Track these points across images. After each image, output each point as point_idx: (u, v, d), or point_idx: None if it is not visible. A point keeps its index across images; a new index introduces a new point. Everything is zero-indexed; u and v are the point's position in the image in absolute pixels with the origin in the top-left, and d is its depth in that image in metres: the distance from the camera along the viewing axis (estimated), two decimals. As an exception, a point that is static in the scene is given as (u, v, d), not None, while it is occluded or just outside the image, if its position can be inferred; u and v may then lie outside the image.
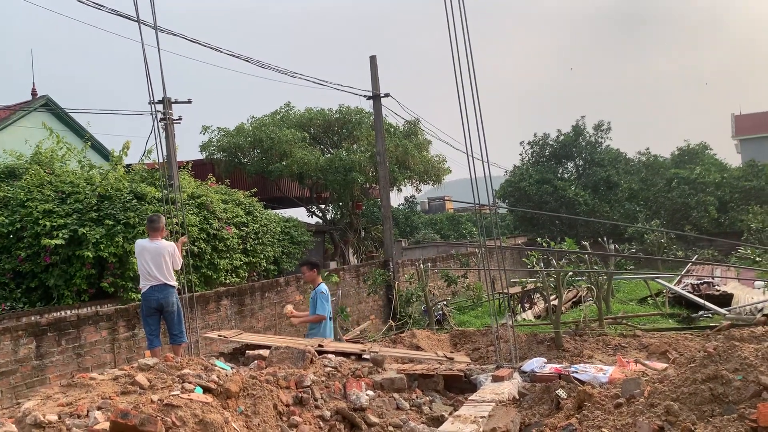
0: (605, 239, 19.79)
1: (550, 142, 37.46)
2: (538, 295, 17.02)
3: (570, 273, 11.25)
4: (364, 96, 18.02)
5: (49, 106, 18.99)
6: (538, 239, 15.18)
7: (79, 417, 4.14)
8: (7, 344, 8.03)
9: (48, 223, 11.33)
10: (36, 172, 12.76)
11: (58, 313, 9.69)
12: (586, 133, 37.06)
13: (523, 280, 13.28)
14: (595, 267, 13.29)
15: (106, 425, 3.93)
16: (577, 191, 34.53)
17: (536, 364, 6.73)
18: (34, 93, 19.76)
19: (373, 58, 17.88)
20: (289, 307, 8.62)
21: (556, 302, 11.12)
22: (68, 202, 11.98)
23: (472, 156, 7.70)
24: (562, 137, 37.10)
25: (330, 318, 8.05)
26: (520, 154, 38.53)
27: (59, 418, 4.11)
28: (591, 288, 12.80)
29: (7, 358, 7.99)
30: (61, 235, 11.20)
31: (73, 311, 9.88)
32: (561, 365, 6.68)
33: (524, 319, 15.16)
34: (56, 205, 11.77)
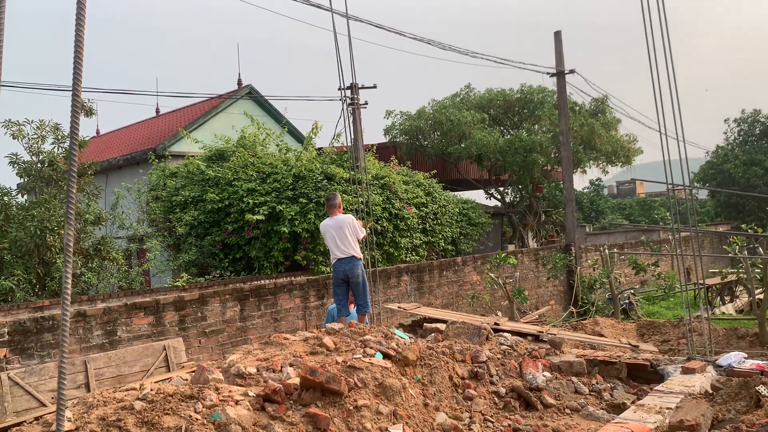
0: (827, 228, 17.32)
1: (762, 119, 33.44)
2: (741, 288, 15.40)
3: (780, 263, 10.02)
4: (548, 73, 17.44)
5: (252, 94, 20.87)
6: (743, 226, 13.71)
7: (274, 371, 4.59)
8: (216, 306, 9.08)
9: (251, 201, 12.52)
10: (241, 155, 14.12)
11: (259, 282, 10.71)
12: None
13: (724, 270, 12.05)
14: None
15: (297, 380, 4.32)
16: (793, 174, 30.51)
17: (734, 358, 6.15)
18: (239, 83, 21.83)
19: (557, 34, 17.23)
20: None
21: (761, 296, 10.00)
22: (268, 181, 13.12)
23: (666, 134, 7.17)
24: (776, 113, 32.95)
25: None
26: (725, 133, 34.93)
27: (257, 370, 4.60)
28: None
29: (216, 318, 9.04)
30: (261, 211, 12.33)
31: (271, 280, 10.86)
32: (765, 362, 6.04)
33: (723, 313, 13.85)
34: (258, 185, 12.96)
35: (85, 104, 12.47)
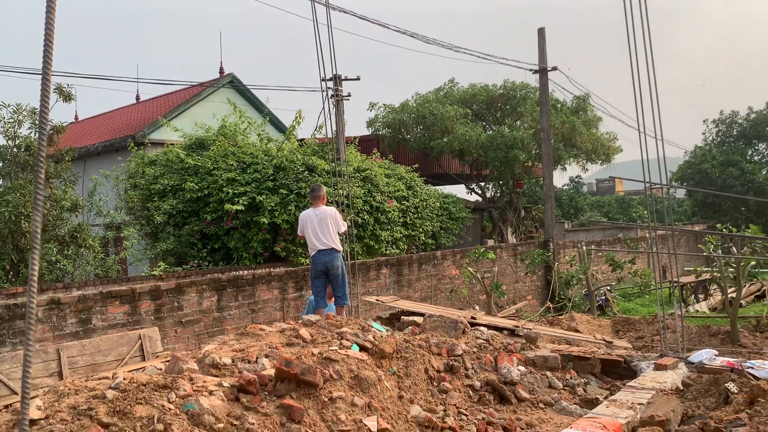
0: (800, 229, 17.61)
1: (739, 121, 33.98)
2: (715, 286, 15.66)
3: (753, 263, 10.20)
4: (530, 70, 17.53)
5: (233, 83, 20.68)
6: (718, 225, 13.92)
7: (249, 362, 4.57)
8: (193, 296, 9.01)
9: (230, 191, 12.43)
10: (221, 144, 14.00)
11: (237, 272, 10.65)
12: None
13: (698, 268, 12.25)
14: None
15: (272, 371, 4.31)
16: (768, 175, 31.09)
17: (705, 355, 6.25)
18: (221, 71, 21.62)
19: (541, 31, 17.29)
20: None
21: (734, 294, 10.18)
22: (248, 171, 13.03)
23: (644, 132, 7.25)
24: (753, 115, 33.47)
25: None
26: (703, 134, 35.47)
27: (232, 361, 4.57)
28: (779, 281, 11.54)
29: (193, 308, 8.97)
30: (241, 201, 12.25)
31: (250, 271, 10.80)
32: (735, 359, 6.15)
33: (697, 311, 14.06)
34: (238, 174, 12.87)
35: (64, 89, 12.25)
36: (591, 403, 5.50)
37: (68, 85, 12.25)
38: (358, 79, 15.98)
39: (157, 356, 7.06)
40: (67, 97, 12.38)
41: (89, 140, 20.49)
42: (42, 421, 3.40)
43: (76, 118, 26.31)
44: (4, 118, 12.03)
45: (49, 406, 3.61)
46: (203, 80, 20.41)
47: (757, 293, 15.18)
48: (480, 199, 24.38)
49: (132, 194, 14.20)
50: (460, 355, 5.67)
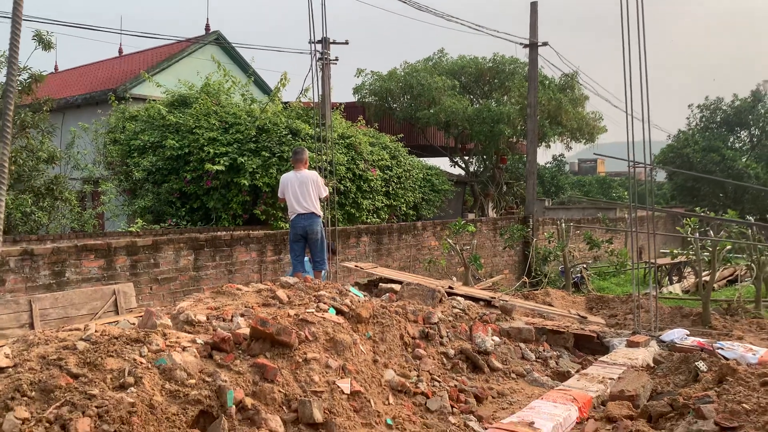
0: (775, 217, 17.85)
1: (723, 107, 34.22)
2: (690, 269, 15.89)
3: (728, 247, 10.33)
4: (520, 44, 17.37)
5: (219, 41, 20.28)
6: (696, 209, 14.06)
7: (224, 320, 4.53)
8: (170, 254, 8.92)
9: (211, 150, 12.25)
10: (204, 102, 13.76)
11: (215, 233, 10.55)
12: (767, 100, 33.38)
13: (674, 250, 12.39)
14: (759, 244, 12.08)
15: (247, 330, 4.27)
16: (748, 163, 31.42)
17: (677, 335, 6.34)
18: (207, 28, 21.18)
19: (533, 5, 17.11)
20: None
21: (708, 278, 10.32)
22: (230, 132, 12.84)
23: (632, 114, 7.22)
24: (737, 102, 33.71)
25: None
26: (687, 118, 35.76)
27: (207, 319, 4.53)
28: (751, 267, 11.71)
29: (169, 266, 8.89)
30: (222, 162, 12.08)
31: (228, 232, 10.71)
32: (705, 340, 6.24)
33: (670, 292, 14.27)
34: (220, 134, 12.67)
35: (44, 36, 11.91)
36: (563, 376, 5.56)
37: (48, 32, 11.92)
38: (346, 43, 15.75)
39: (131, 312, 6.99)
40: (47, 45, 12.03)
41: (69, 92, 20.04)
42: (10, 369, 3.34)
43: (56, 68, 25.69)
44: (-19, 63, 11.70)
45: (18, 355, 3.54)
46: (189, 36, 19.99)
47: (730, 278, 15.43)
48: (463, 172, 24.38)
49: (111, 149, 13.95)
50: (435, 323, 5.68)
